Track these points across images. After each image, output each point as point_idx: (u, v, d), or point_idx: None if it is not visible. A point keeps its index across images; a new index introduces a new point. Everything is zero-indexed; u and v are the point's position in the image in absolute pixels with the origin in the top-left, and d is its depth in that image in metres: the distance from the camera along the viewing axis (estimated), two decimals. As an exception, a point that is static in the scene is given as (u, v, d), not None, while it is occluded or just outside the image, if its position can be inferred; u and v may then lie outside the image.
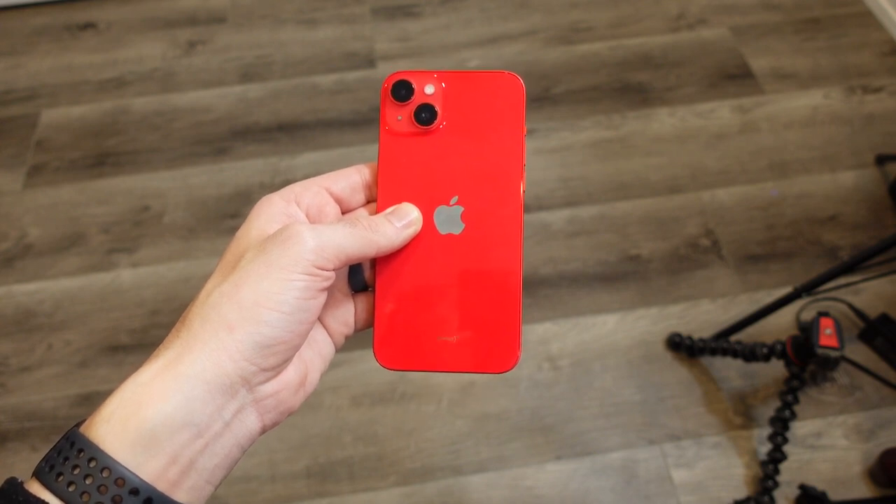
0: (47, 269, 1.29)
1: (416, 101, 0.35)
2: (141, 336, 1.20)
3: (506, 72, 0.35)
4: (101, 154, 1.45)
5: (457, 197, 0.34)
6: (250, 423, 0.30)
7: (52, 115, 1.52)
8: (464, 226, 0.34)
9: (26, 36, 1.68)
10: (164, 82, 1.57)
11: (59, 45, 1.66)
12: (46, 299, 1.25)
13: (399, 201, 0.34)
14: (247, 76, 1.58)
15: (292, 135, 1.47)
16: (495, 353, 0.34)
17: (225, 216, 1.35)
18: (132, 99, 1.55)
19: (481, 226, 0.34)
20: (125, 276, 1.28)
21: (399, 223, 0.33)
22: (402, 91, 0.35)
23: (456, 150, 0.35)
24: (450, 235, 0.34)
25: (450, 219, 0.34)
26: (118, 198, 1.39)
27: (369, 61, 1.59)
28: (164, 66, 1.60)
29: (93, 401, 1.14)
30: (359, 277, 0.35)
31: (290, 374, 0.31)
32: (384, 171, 0.35)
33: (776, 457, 0.97)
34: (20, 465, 1.08)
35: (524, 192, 0.34)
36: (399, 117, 0.35)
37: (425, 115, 0.34)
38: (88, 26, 1.70)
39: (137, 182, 1.41)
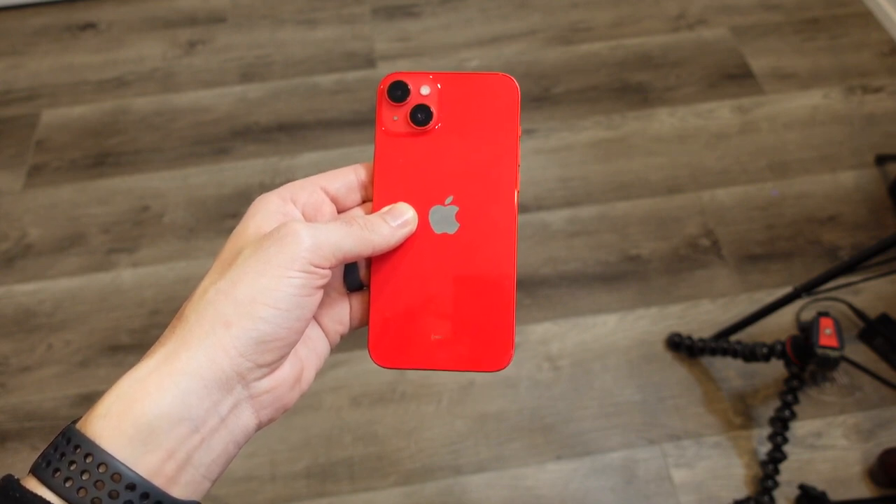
0: (47, 269, 1.29)
1: (412, 101, 0.35)
2: (141, 336, 1.21)
3: (501, 73, 0.35)
4: (101, 154, 1.46)
5: (452, 197, 0.35)
6: (246, 418, 0.30)
7: (52, 115, 1.53)
8: (458, 225, 0.34)
9: (26, 36, 1.68)
10: (164, 82, 1.58)
11: (59, 45, 1.66)
12: (46, 299, 1.25)
13: (394, 201, 0.35)
14: (247, 76, 1.58)
15: (292, 135, 1.47)
16: (489, 352, 0.34)
17: (225, 216, 1.35)
18: (132, 99, 1.55)
19: (476, 225, 0.34)
20: (125, 276, 1.28)
21: (394, 222, 0.34)
22: (398, 92, 0.35)
23: (451, 151, 0.35)
24: (444, 235, 0.35)
25: (444, 218, 0.35)
26: (118, 198, 1.39)
27: (369, 61, 1.59)
28: (164, 66, 1.61)
29: (93, 401, 1.12)
30: (354, 277, 0.36)
31: (286, 370, 0.31)
32: (380, 171, 0.35)
33: (776, 457, 0.97)
34: (20, 465, 1.08)
35: (518, 192, 0.35)
36: (395, 118, 0.35)
37: (421, 115, 0.35)
38: (88, 26, 1.70)
39: (137, 182, 1.41)
